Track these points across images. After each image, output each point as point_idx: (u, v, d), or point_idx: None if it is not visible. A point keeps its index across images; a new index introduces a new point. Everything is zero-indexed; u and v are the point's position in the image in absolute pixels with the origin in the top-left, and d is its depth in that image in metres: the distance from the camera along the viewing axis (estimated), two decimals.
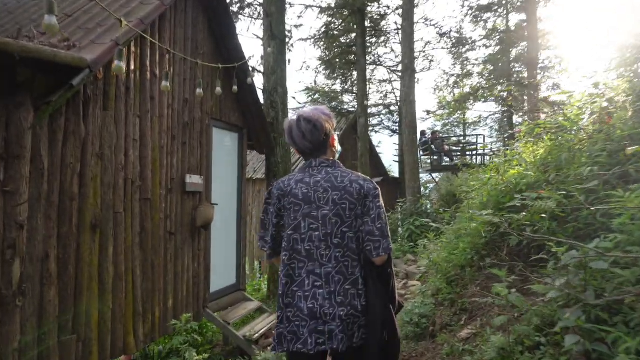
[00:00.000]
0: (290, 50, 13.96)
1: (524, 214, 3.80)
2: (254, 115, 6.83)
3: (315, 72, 13.53)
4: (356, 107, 12.84)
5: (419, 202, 9.20)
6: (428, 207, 9.24)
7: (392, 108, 16.58)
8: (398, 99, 15.81)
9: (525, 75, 22.18)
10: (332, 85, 16.00)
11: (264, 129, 6.98)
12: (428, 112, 21.90)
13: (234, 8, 9.51)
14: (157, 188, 4.78)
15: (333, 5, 12.26)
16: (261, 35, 8.02)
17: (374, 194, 1.84)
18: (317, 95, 13.62)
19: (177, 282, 5.11)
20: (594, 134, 3.97)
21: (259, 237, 2.01)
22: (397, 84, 16.11)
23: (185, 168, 5.34)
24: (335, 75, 15.44)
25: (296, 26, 13.89)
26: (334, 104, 13.78)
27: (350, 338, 1.78)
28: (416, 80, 10.90)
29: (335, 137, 2.02)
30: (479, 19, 20.93)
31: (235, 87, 5.44)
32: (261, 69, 7.52)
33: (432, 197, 10.53)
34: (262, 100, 7.50)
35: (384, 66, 16.12)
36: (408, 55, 9.51)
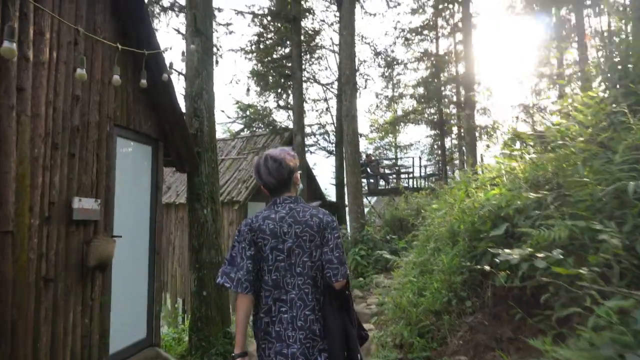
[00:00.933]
0: (217, 64, 12.80)
1: (518, 247, 2.97)
2: (173, 125, 5.57)
3: (247, 86, 12.44)
4: (292, 124, 11.90)
5: (364, 228, 8.32)
6: (371, 234, 8.37)
7: (328, 128, 15.92)
8: (334, 118, 15.14)
9: (454, 99, 22.81)
10: (265, 102, 15.00)
11: (186, 141, 5.73)
12: (360, 135, 21.54)
13: None
14: (24, 216, 3.38)
15: (267, 12, 11.34)
16: (183, 30, 6.82)
17: (331, 225, 2.06)
18: (247, 112, 12.47)
19: (55, 349, 3.66)
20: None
21: (221, 273, 2.04)
22: (333, 102, 15.51)
23: (73, 189, 3.97)
24: (269, 90, 14.45)
25: (226, 33, 12.75)
26: (266, 120, 12.72)
27: None
28: (357, 94, 10.27)
29: (298, 176, 2.20)
30: (410, 42, 21.21)
31: (143, 81, 4.21)
32: (183, 69, 6.31)
33: (374, 222, 9.72)
34: (184, 108, 6.26)
35: (320, 83, 15.47)
36: (349, 66, 8.79)
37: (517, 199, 3.40)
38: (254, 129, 12.90)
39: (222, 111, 11.76)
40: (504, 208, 3.50)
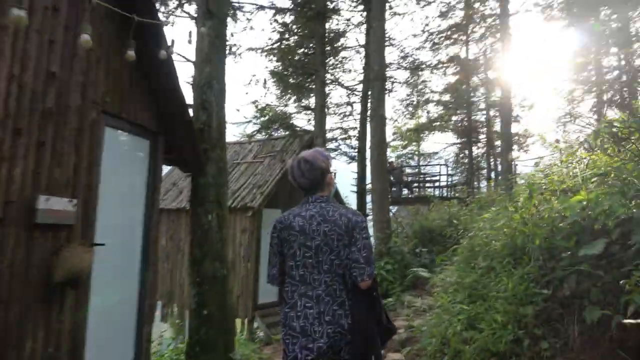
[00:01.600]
0: (235, 56, 12.13)
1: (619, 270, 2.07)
2: (176, 117, 4.81)
3: (265, 87, 11.70)
4: (312, 128, 11.11)
5: (390, 239, 7.38)
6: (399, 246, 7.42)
7: (351, 133, 15.07)
8: (357, 122, 14.30)
9: (483, 105, 21.70)
10: (285, 105, 14.25)
11: (190, 136, 4.97)
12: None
13: None
14: None
15: (290, 6, 10.61)
16: (194, 14, 6.10)
17: (360, 226, 2.09)
18: (265, 113, 11.70)
19: None
20: None
21: (267, 274, 2.23)
22: (357, 106, 14.66)
23: (40, 185, 3.21)
24: (289, 92, 13.71)
25: (245, 28, 12.03)
26: (285, 123, 11.95)
27: (336, 352, 2.02)
28: (386, 92, 9.41)
29: (332, 176, 2.29)
30: (438, 46, 20.28)
31: (131, 52, 3.45)
32: (192, 57, 5.58)
33: (401, 233, 8.78)
34: (190, 100, 5.52)
35: (343, 86, 14.63)
36: (378, 61, 7.97)
37: (621, 207, 2.46)
38: (272, 131, 12.16)
39: (238, 110, 11.14)
40: (600, 218, 2.57)
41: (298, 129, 11.43)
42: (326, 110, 12.56)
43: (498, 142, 21.93)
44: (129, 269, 4.34)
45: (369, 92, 14.27)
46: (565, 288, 2.76)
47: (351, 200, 15.43)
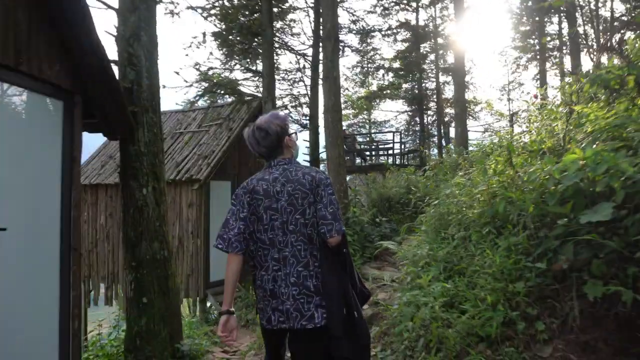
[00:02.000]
0: (173, 22, 10.98)
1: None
2: (97, 74, 4.00)
3: (203, 44, 10.61)
4: (260, 95, 10.34)
5: (349, 209, 6.97)
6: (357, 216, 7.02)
7: (302, 100, 14.38)
8: (308, 88, 13.61)
9: (433, 74, 21.62)
10: (230, 71, 13.24)
11: (115, 97, 4.17)
12: None
13: None
14: None
15: None
16: None
17: (325, 182, 2.07)
18: (209, 76, 10.68)
19: None
20: None
21: (216, 237, 2.09)
22: (308, 72, 13.93)
23: None
24: (234, 56, 12.72)
25: None
26: (230, 88, 11.06)
27: (309, 318, 1.95)
28: (340, 52, 8.82)
29: (293, 137, 2.23)
30: (389, 11, 19.75)
31: None
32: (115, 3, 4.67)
33: (358, 202, 8.40)
34: (115, 55, 4.68)
35: (293, 51, 13.81)
36: (330, 18, 7.33)
37: (631, 166, 2.09)
38: (217, 97, 11.24)
39: (177, 73, 9.99)
40: (603, 179, 2.19)
41: (245, 94, 10.61)
42: (275, 76, 11.76)
43: (448, 110, 22.15)
44: (44, 256, 3.59)
45: (320, 56, 13.60)
46: (561, 260, 2.39)
47: None
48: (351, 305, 1.98)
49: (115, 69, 4.63)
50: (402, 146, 17.37)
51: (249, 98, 10.71)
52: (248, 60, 11.21)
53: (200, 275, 9.45)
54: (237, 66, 13.47)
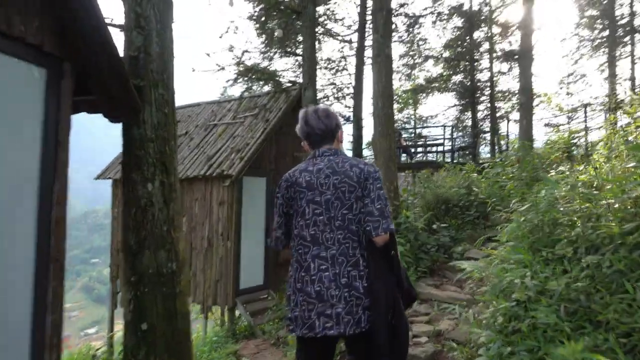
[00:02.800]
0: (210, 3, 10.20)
1: None
2: (93, 39, 3.13)
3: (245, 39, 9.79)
4: (301, 77, 9.35)
5: (400, 214, 5.82)
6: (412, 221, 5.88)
7: (345, 91, 13.32)
8: (352, 77, 12.53)
9: (487, 64, 19.93)
10: (270, 59, 12.35)
11: (117, 67, 3.28)
12: (371, 113, 18.63)
13: None
14: None
15: None
16: None
17: (374, 176, 1.94)
18: (244, 61, 9.79)
19: None
20: None
21: (270, 236, 2.09)
22: (352, 59, 12.83)
23: None
24: (274, 46, 11.82)
25: None
26: (266, 74, 10.16)
27: (357, 322, 1.82)
28: (393, 27, 7.62)
29: (343, 133, 2.17)
30: None
31: None
32: None
33: (411, 204, 7.25)
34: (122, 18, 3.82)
35: (336, 37, 12.77)
36: None
37: None
38: (252, 84, 10.38)
39: (208, 55, 9.17)
40: None
41: (283, 82, 9.68)
42: (317, 61, 10.75)
43: (500, 104, 20.41)
44: (13, 270, 2.75)
45: (366, 41, 12.48)
46: None
47: None
48: (399, 315, 1.86)
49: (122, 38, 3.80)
50: (453, 142, 15.93)
51: (288, 85, 9.76)
52: (287, 43, 10.23)
53: (229, 282, 8.61)
54: (277, 55, 12.57)
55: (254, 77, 9.60)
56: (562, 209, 2.86)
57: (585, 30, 19.99)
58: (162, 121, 3.61)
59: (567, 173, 3.49)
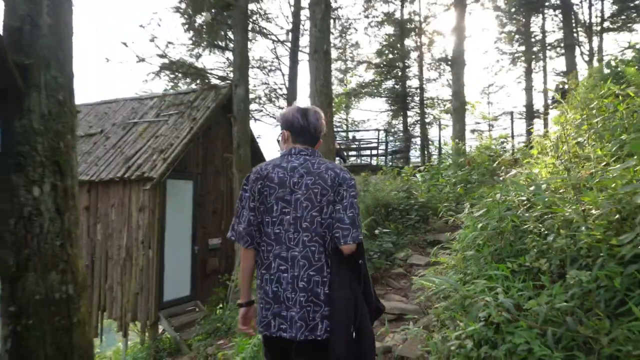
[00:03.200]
0: None
1: None
2: None
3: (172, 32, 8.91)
4: (232, 73, 8.70)
5: None
6: None
7: (279, 91, 12.81)
8: (286, 78, 12.08)
9: (416, 72, 20.44)
10: (197, 56, 11.52)
11: None
12: None
13: None
14: None
15: None
16: None
17: (349, 183, 1.85)
18: (164, 60, 8.90)
19: None
20: None
21: (230, 227, 1.94)
22: (286, 60, 12.37)
23: None
24: (202, 40, 11.02)
25: None
26: (192, 69, 9.37)
27: (312, 329, 1.74)
28: (331, 22, 7.23)
29: (321, 142, 2.04)
30: (372, 3, 18.44)
31: None
32: None
33: None
34: None
35: (269, 37, 12.24)
36: None
37: None
38: (178, 80, 9.55)
39: (125, 44, 8.16)
40: None
41: (211, 75, 8.96)
42: (249, 60, 10.16)
43: (429, 110, 21.05)
44: None
45: (301, 40, 12.10)
46: None
47: None
48: (364, 326, 1.74)
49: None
50: (387, 146, 16.02)
51: (217, 82, 9.07)
52: (215, 36, 9.50)
53: (151, 294, 7.73)
54: (206, 52, 11.74)
55: (179, 72, 8.78)
56: (526, 214, 2.59)
57: (504, 44, 21.18)
58: (55, 111, 2.89)
59: (523, 175, 3.27)
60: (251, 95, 13.38)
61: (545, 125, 20.12)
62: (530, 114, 20.13)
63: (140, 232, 7.91)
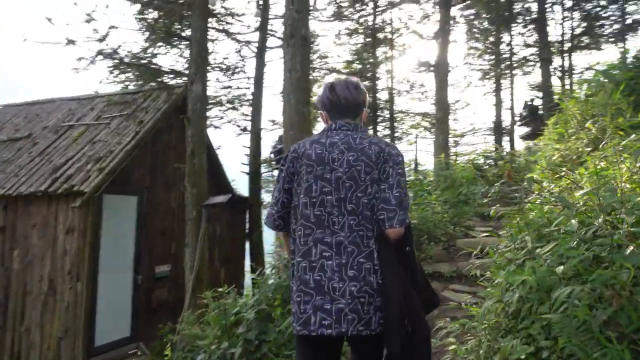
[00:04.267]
0: None
1: None
2: None
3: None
4: (188, 69, 7.40)
5: None
6: None
7: (243, 97, 11.56)
8: (251, 82, 10.88)
9: (388, 84, 19.79)
10: (152, 56, 10.14)
11: None
12: (274, 122, 17.03)
13: None
14: None
15: None
16: None
17: (395, 159, 1.68)
18: (108, 52, 7.48)
19: None
20: None
21: (267, 212, 1.83)
22: (252, 62, 11.17)
23: None
24: (158, 36, 9.68)
25: None
26: (142, 67, 8.03)
27: (366, 323, 1.55)
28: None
29: (366, 114, 1.91)
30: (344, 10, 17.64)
31: None
32: None
33: None
34: None
35: (232, 36, 11.02)
36: None
37: None
38: (120, 73, 8.19)
39: (50, 20, 6.86)
40: None
41: (163, 72, 7.65)
42: (210, 62, 8.89)
43: (396, 125, 20.37)
44: None
45: (269, 41, 10.95)
46: None
47: (241, 185, 11.93)
48: (416, 320, 1.55)
49: None
50: None
51: (169, 81, 7.75)
52: (168, 22, 8.17)
53: (78, 338, 6.18)
54: (162, 49, 10.37)
55: (121, 61, 7.39)
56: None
57: (474, 59, 20.94)
58: None
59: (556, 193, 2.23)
60: (212, 101, 12.09)
61: (512, 142, 20.07)
62: (499, 130, 19.91)
63: (67, 260, 6.38)
